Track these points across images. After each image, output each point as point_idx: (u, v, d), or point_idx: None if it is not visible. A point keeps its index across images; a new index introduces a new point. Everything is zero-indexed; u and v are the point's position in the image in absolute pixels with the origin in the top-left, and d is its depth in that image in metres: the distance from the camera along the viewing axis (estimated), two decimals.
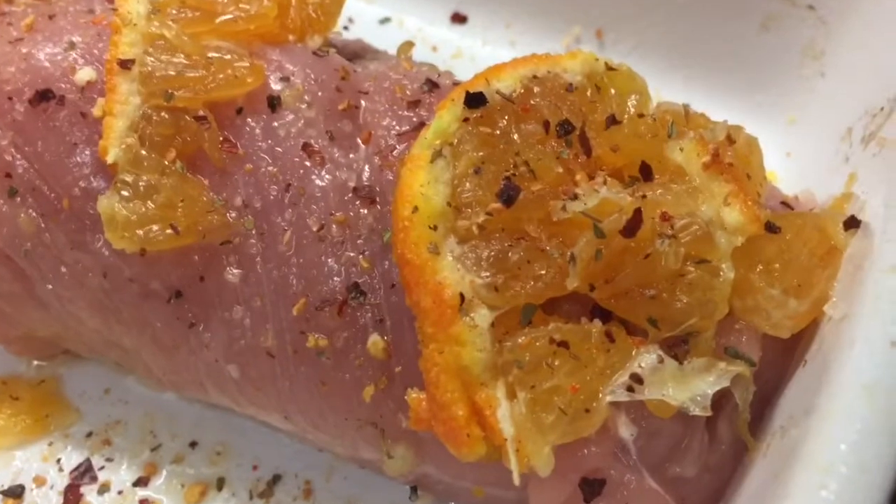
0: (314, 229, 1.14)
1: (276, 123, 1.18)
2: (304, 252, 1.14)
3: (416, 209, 1.04)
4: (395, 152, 1.17)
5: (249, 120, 1.18)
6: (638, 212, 0.99)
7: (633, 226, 1.00)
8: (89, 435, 1.39)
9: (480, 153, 1.06)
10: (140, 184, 1.12)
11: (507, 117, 1.08)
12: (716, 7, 1.65)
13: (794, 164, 1.59)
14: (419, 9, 1.85)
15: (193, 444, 1.38)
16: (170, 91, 1.14)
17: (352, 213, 1.15)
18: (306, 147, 1.17)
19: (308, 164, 1.17)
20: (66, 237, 1.19)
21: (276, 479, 1.35)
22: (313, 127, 1.19)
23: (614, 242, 1.00)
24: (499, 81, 1.11)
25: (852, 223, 1.09)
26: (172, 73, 1.15)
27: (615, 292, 1.02)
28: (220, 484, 1.34)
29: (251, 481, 1.35)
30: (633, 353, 1.02)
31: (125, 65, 1.15)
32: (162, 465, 1.36)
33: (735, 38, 1.66)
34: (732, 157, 1.10)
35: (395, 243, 1.05)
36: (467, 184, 1.05)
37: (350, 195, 1.15)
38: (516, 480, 0.98)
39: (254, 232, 1.15)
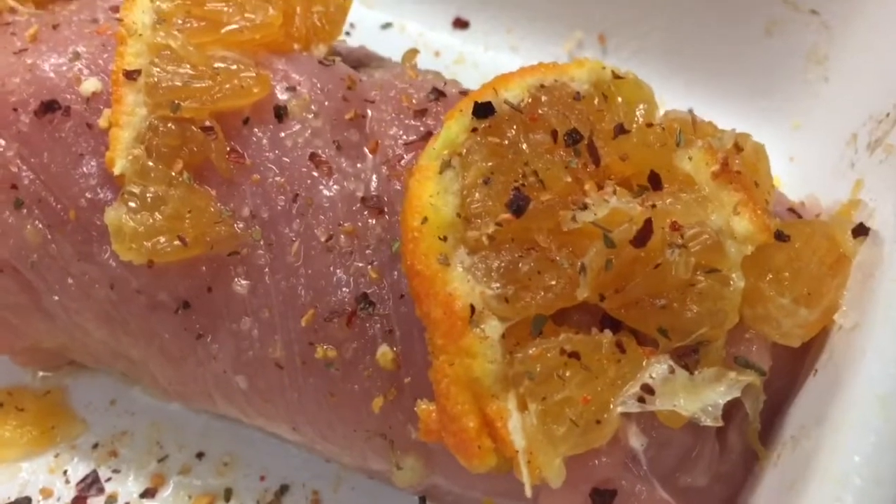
0: (322, 240, 1.14)
1: (282, 133, 1.17)
2: (313, 262, 1.14)
3: (425, 220, 1.03)
4: (402, 162, 1.17)
5: (256, 130, 1.17)
6: (648, 222, 0.99)
7: (643, 236, 1.00)
8: (96, 446, 1.39)
9: (489, 163, 1.06)
10: (147, 195, 1.12)
11: (515, 127, 1.08)
12: (718, 12, 1.65)
13: (797, 168, 1.59)
14: (420, 14, 1.85)
15: (200, 455, 1.38)
16: (176, 102, 1.13)
17: (360, 224, 1.14)
18: (313, 157, 1.17)
19: (315, 174, 1.16)
20: (73, 248, 1.18)
21: (284, 489, 1.35)
22: (320, 137, 1.18)
23: (624, 252, 1.00)
24: (506, 91, 1.11)
25: (861, 231, 1.09)
26: (178, 83, 1.14)
27: (625, 302, 1.02)
28: (228, 495, 1.34)
29: (259, 492, 1.35)
30: (644, 363, 1.02)
31: (131, 75, 1.15)
32: (169, 476, 1.36)
33: (738, 43, 1.65)
34: (740, 166, 1.10)
35: (405, 254, 1.04)
36: (476, 194, 1.05)
37: (358, 205, 1.15)
38: (528, 492, 0.98)
39: (262, 242, 1.15)
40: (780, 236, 1.07)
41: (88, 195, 1.16)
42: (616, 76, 1.16)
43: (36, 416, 1.40)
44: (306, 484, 1.35)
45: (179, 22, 1.19)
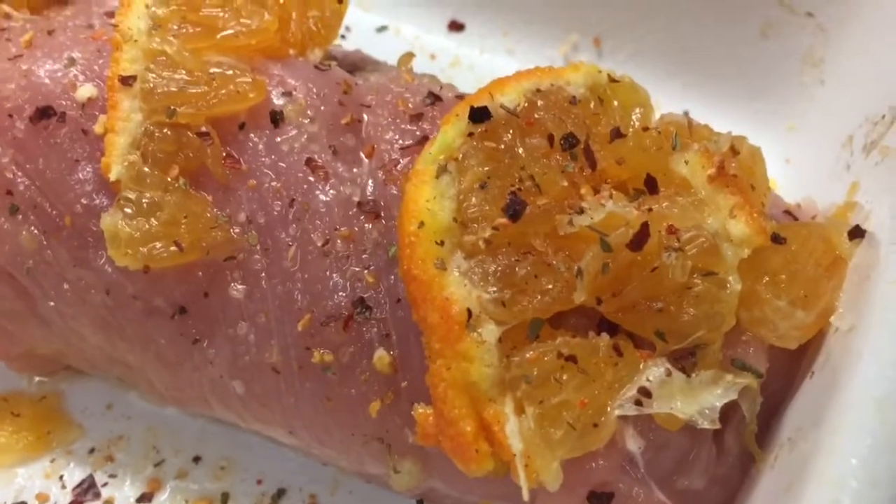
0: (319, 244, 1.14)
1: (278, 138, 1.17)
2: (309, 267, 1.14)
3: (422, 225, 1.03)
4: (398, 166, 1.17)
5: (252, 135, 1.17)
6: (645, 225, 0.99)
7: (640, 239, 1.00)
8: (92, 451, 1.38)
9: (486, 168, 1.06)
10: (143, 201, 1.11)
11: (511, 131, 1.08)
12: (714, 14, 1.65)
13: (793, 171, 1.59)
14: (416, 17, 1.85)
15: (197, 459, 1.37)
16: (172, 107, 1.13)
17: (356, 228, 1.14)
18: (310, 162, 1.17)
19: (312, 178, 1.16)
20: (69, 254, 1.18)
21: (281, 493, 1.35)
22: (316, 142, 1.18)
23: (621, 256, 1.00)
24: (502, 95, 1.11)
25: (857, 233, 1.09)
26: (174, 89, 1.14)
27: (622, 306, 1.02)
28: (225, 499, 1.34)
29: (256, 496, 1.34)
30: (641, 366, 1.02)
31: (126, 81, 1.15)
32: (166, 480, 1.35)
33: (734, 46, 1.65)
34: (737, 169, 1.10)
35: (402, 259, 1.04)
36: (473, 199, 1.05)
37: (354, 210, 1.15)
38: (525, 496, 0.98)
39: (258, 247, 1.15)
40: (777, 239, 1.07)
41: (84, 201, 1.16)
42: (612, 80, 1.16)
43: (32, 421, 1.39)
44: (303, 488, 1.35)
45: (175, 27, 1.19)
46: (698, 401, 1.01)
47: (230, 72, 1.17)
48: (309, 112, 1.19)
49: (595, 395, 1.00)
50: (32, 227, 1.18)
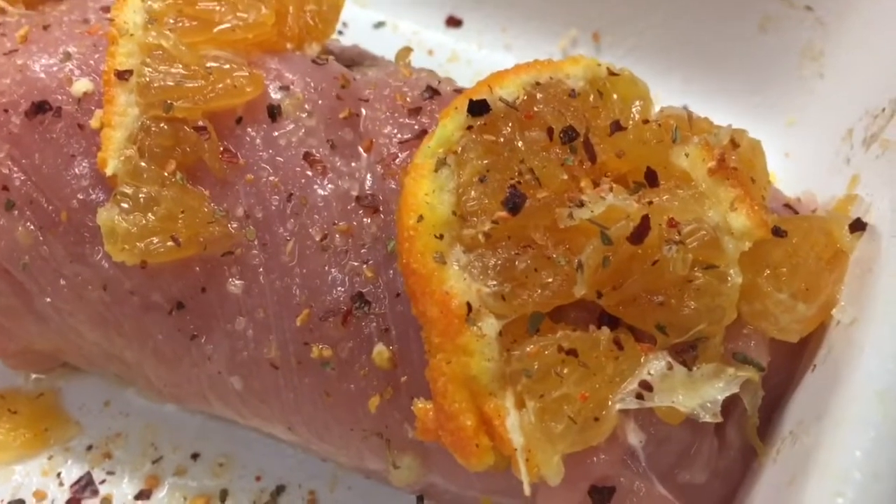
0: (317, 239, 1.13)
1: (276, 133, 1.17)
2: (307, 262, 1.13)
3: (421, 218, 1.03)
4: (397, 160, 1.16)
5: (249, 129, 1.17)
6: (646, 218, 0.99)
7: (640, 232, 0.99)
8: (89, 448, 1.38)
9: (485, 161, 1.05)
10: (140, 196, 1.11)
11: (510, 125, 1.08)
12: (713, 8, 1.65)
13: (792, 164, 1.58)
14: (414, 13, 1.84)
15: (195, 456, 1.37)
16: (168, 101, 1.12)
17: (355, 223, 1.14)
18: (307, 156, 1.16)
19: (309, 173, 1.16)
20: (65, 250, 1.17)
21: (280, 489, 1.34)
22: (314, 136, 1.18)
23: (622, 249, 1.00)
24: (501, 88, 1.10)
25: (858, 226, 1.09)
26: (171, 83, 1.14)
27: (623, 299, 1.02)
28: (224, 496, 1.33)
29: (255, 492, 1.34)
30: (642, 360, 1.01)
31: (122, 76, 1.14)
32: (164, 477, 1.35)
33: (733, 40, 1.65)
34: (737, 162, 1.10)
35: (401, 253, 1.04)
36: (472, 192, 1.04)
37: (353, 204, 1.14)
38: (527, 490, 0.98)
39: (256, 242, 1.14)
40: (778, 232, 1.06)
41: (80, 196, 1.16)
42: (611, 73, 1.16)
43: (29, 418, 1.38)
44: (303, 484, 1.34)
45: (171, 21, 1.18)
46: (700, 394, 1.00)
47: (227, 66, 1.16)
48: (306, 106, 1.18)
49: (596, 389, 0.99)
50: (28, 223, 1.18)
